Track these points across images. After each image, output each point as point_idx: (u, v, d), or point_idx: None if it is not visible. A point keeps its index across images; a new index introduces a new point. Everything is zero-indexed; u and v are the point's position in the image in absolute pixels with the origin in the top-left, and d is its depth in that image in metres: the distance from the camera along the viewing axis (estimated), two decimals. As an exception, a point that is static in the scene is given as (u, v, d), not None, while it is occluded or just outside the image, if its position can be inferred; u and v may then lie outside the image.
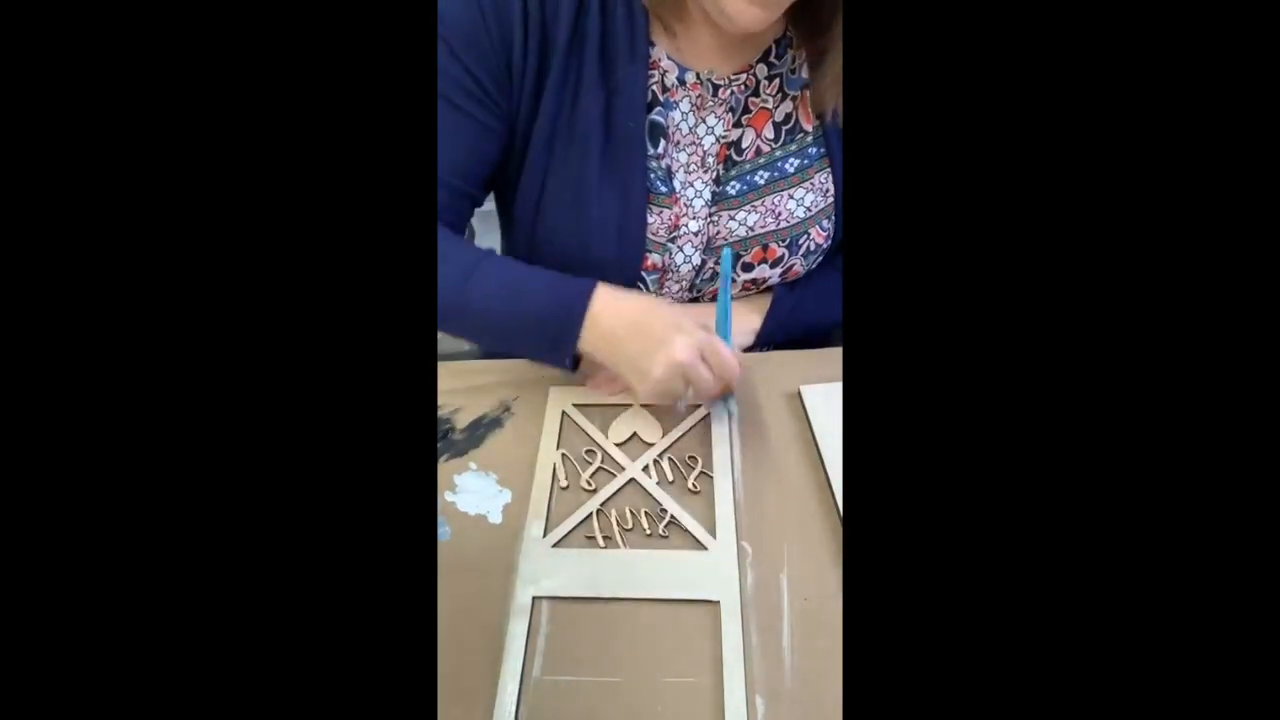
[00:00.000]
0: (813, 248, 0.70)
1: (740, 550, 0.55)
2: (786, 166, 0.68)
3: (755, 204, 0.68)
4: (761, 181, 0.67)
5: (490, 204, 0.75)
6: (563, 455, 0.61)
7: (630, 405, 0.65)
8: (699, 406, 0.65)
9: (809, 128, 0.68)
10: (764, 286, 0.73)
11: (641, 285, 0.69)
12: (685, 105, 0.65)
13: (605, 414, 0.65)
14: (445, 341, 0.86)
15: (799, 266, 0.71)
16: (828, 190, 0.69)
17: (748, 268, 0.70)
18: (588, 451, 0.62)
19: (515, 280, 0.61)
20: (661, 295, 0.72)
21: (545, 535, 0.55)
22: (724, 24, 0.55)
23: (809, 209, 0.69)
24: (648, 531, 0.56)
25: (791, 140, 0.68)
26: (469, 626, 0.50)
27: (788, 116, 0.67)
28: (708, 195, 0.67)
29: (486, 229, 0.79)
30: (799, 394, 0.66)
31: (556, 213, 0.66)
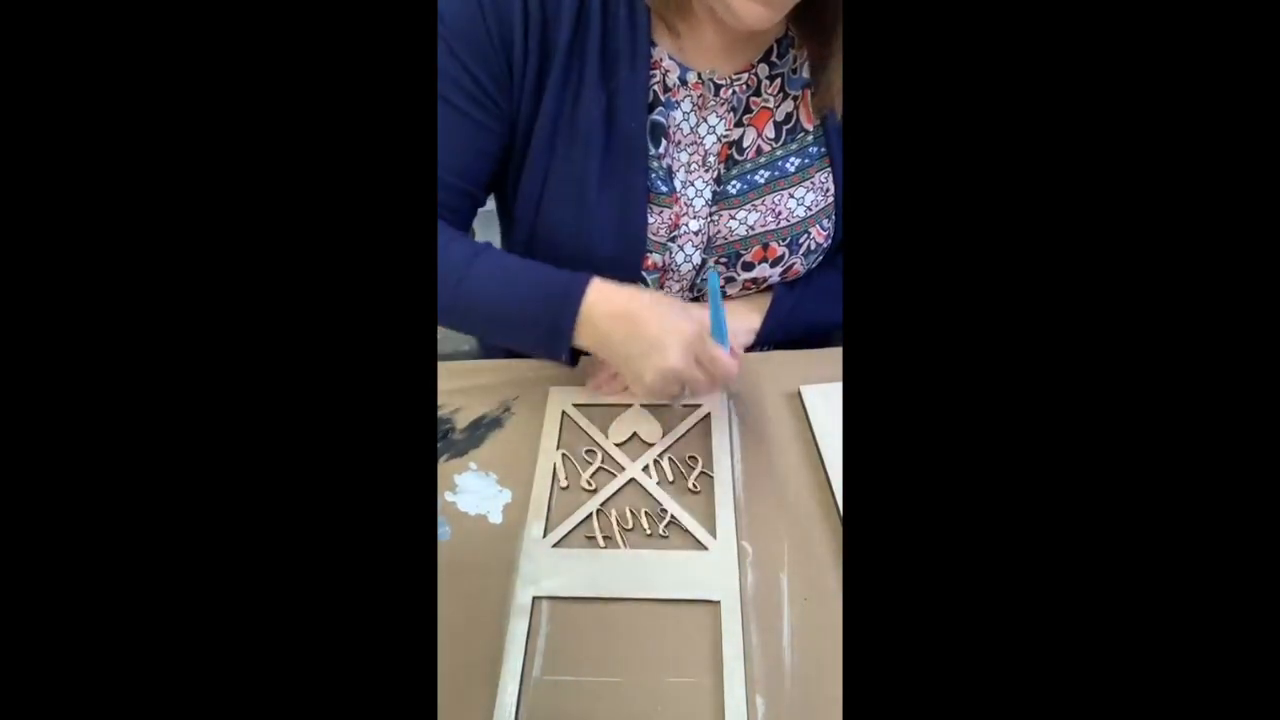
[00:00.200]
0: (813, 247, 0.71)
1: (740, 550, 0.55)
2: (787, 166, 0.68)
3: (756, 203, 0.68)
4: (762, 181, 0.68)
5: (490, 204, 0.75)
6: (563, 455, 0.61)
7: (630, 405, 0.65)
8: (699, 405, 0.65)
9: (809, 127, 0.68)
10: (764, 286, 0.74)
11: (642, 285, 0.69)
12: (686, 105, 0.65)
13: (605, 414, 0.65)
14: (445, 341, 0.86)
15: (799, 265, 0.71)
16: (828, 189, 0.69)
17: (748, 267, 0.70)
18: (588, 451, 0.62)
19: (511, 271, 0.61)
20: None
21: (545, 535, 0.55)
22: (730, 22, 0.55)
23: (809, 208, 0.69)
24: (648, 531, 0.56)
25: (792, 139, 0.68)
26: (469, 626, 0.50)
27: (788, 116, 0.67)
28: (708, 195, 0.67)
29: (487, 229, 0.79)
30: (799, 394, 0.66)
31: (557, 212, 0.66)
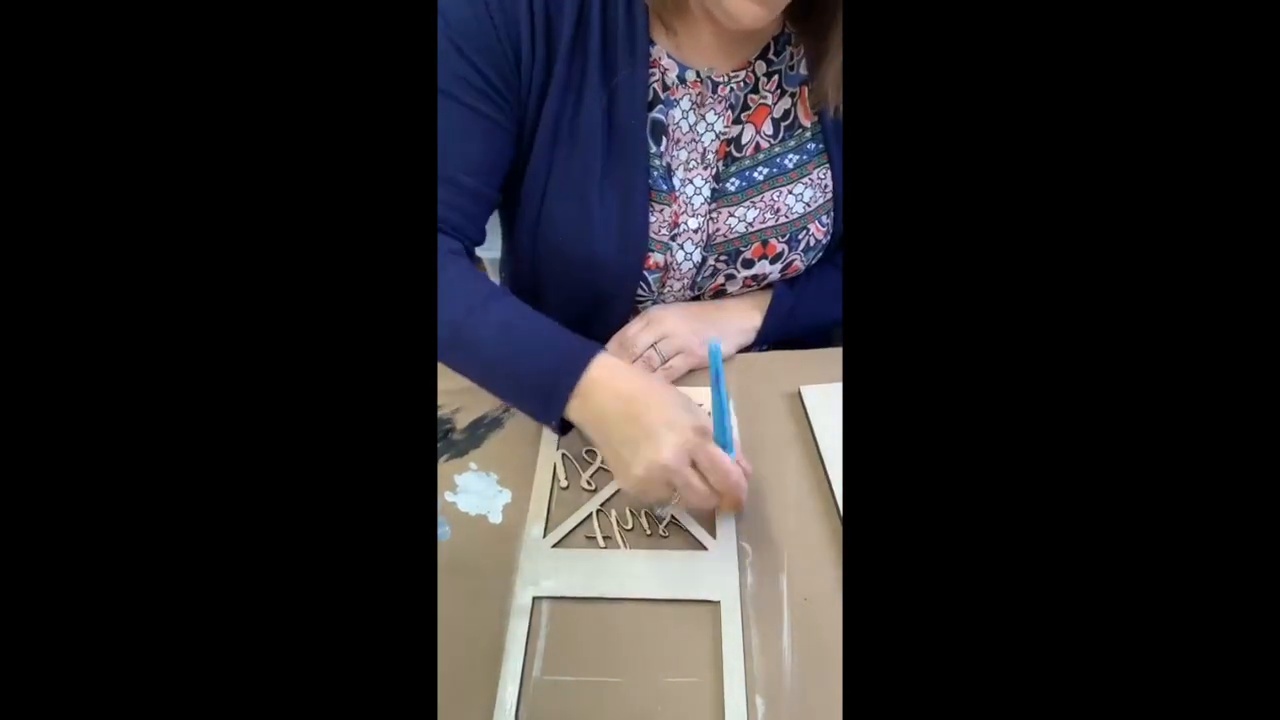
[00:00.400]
0: (812, 243, 0.71)
1: (740, 550, 0.55)
2: (785, 162, 0.68)
3: (754, 200, 0.68)
4: (760, 178, 0.68)
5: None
6: (563, 455, 0.61)
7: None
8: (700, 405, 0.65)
9: (807, 123, 0.68)
10: (764, 283, 0.74)
11: (644, 284, 0.69)
12: (685, 103, 0.65)
13: (605, 413, 0.65)
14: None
15: (799, 262, 0.71)
16: (826, 186, 0.69)
17: (748, 264, 0.70)
18: (588, 452, 0.62)
19: (517, 325, 0.57)
20: (664, 293, 0.72)
21: (545, 535, 0.55)
22: (725, 21, 0.55)
23: (808, 204, 0.69)
24: (648, 531, 0.56)
25: (790, 136, 0.68)
26: (469, 626, 0.50)
27: (786, 113, 0.67)
28: (707, 192, 0.67)
29: (486, 229, 0.79)
30: (799, 394, 0.66)
31: (559, 213, 0.65)
